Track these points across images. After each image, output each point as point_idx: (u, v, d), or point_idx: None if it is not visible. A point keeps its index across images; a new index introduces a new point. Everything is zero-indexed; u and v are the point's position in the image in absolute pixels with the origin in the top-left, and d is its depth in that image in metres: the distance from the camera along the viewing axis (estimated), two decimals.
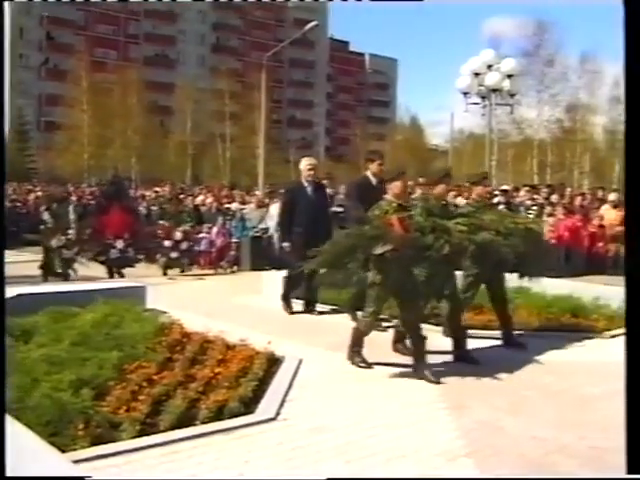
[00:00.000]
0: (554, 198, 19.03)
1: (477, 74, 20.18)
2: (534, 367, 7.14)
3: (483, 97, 20.59)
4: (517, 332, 8.53)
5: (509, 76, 20.24)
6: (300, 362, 7.18)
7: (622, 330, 8.21)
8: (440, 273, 7.35)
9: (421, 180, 16.69)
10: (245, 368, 6.43)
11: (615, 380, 6.91)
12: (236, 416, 5.48)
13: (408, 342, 7.42)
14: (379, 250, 6.67)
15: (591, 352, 7.97)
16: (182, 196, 21.44)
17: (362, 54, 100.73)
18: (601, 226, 17.43)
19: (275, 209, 18.32)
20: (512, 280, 8.95)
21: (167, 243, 15.41)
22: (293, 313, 10.30)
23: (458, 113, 51.74)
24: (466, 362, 7.55)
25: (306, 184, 10.31)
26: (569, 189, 22.06)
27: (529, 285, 9.19)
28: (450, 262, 7.38)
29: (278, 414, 5.67)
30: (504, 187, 18.54)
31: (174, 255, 15.43)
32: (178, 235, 15.57)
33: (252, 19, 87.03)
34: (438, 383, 6.72)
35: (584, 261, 17.06)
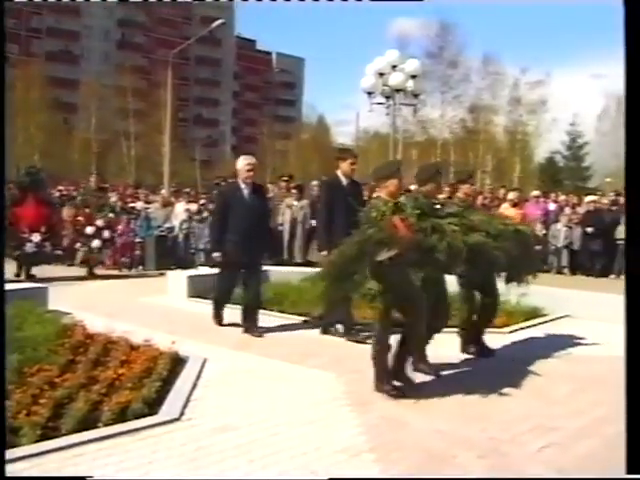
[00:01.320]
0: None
1: (382, 74, 20.34)
2: (437, 362, 7.24)
3: (387, 97, 20.77)
4: None
5: (413, 77, 20.46)
6: (204, 361, 7.17)
7: (520, 325, 8.49)
8: (438, 277, 7.10)
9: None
10: (149, 369, 6.39)
11: (514, 374, 7.19)
12: (140, 417, 5.43)
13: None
14: (384, 255, 6.03)
15: (493, 347, 8.15)
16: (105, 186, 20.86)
17: (269, 53, 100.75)
18: None
19: (181, 207, 18.21)
20: None
21: (89, 230, 14.85)
22: (223, 325, 9.45)
23: (364, 112, 52.22)
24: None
25: (243, 186, 9.13)
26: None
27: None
28: (445, 265, 6.79)
29: (182, 414, 5.64)
30: (410, 187, 18.78)
31: (95, 244, 14.91)
32: (100, 222, 15.07)
33: (158, 16, 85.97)
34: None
35: None
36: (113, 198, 18.95)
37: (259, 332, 8.82)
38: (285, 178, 18.97)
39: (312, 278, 6.73)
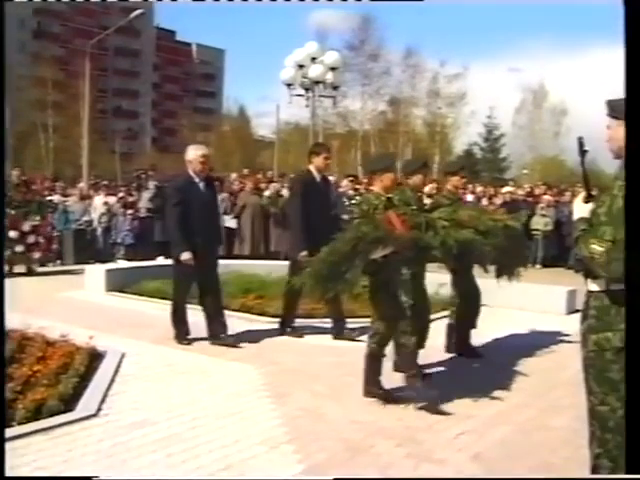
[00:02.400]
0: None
1: (301, 66, 20.37)
2: (355, 353, 7.29)
3: (307, 89, 20.81)
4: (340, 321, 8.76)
5: (332, 69, 20.54)
6: (123, 356, 7.12)
7: (438, 315, 8.60)
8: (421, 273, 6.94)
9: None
10: (66, 365, 6.31)
11: (429, 362, 7.29)
12: (56, 414, 5.36)
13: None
14: (379, 253, 5.70)
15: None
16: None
17: (189, 44, 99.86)
18: None
19: (99, 200, 17.94)
20: None
21: (12, 234, 14.12)
22: (190, 343, 8.12)
23: (284, 104, 52.15)
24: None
25: (197, 179, 8.17)
26: None
27: None
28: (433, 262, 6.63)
29: (99, 410, 5.59)
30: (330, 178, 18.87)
31: (19, 249, 14.25)
32: (26, 227, 14.30)
33: (76, 5, 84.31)
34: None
35: None
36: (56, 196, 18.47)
37: (233, 342, 8.07)
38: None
39: (301, 277, 5.98)
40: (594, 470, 3.70)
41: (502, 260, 6.98)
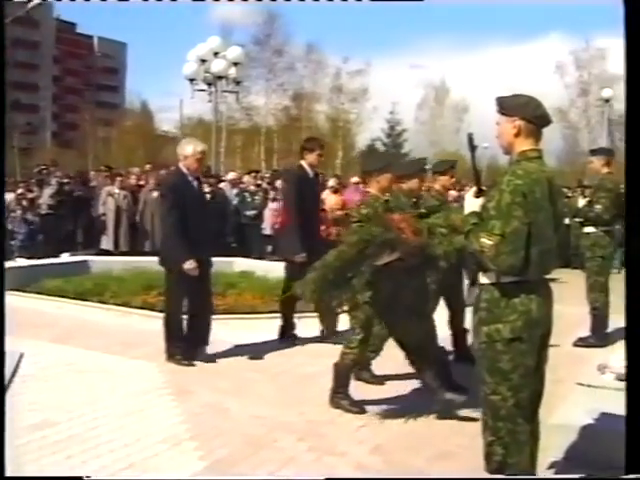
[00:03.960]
0: (278, 183, 19.59)
1: (204, 61, 20.29)
2: (258, 349, 7.35)
3: (210, 84, 20.75)
4: (238, 316, 8.78)
5: (235, 64, 20.52)
6: (21, 356, 6.96)
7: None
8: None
9: None
10: None
11: (331, 357, 7.36)
12: None
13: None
14: (385, 259, 5.20)
15: (314, 331, 8.30)
16: None
17: (90, 36, 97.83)
18: (323, 210, 18.19)
19: None
20: (236, 264, 9.17)
21: None
22: (190, 364, 7.17)
23: (187, 99, 51.63)
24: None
25: (191, 178, 7.35)
26: None
27: (252, 269, 9.41)
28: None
29: None
30: (231, 174, 18.82)
31: None
32: None
33: None
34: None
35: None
36: None
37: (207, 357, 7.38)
38: (103, 168, 18.60)
39: (301, 283, 5.45)
40: (487, 457, 3.82)
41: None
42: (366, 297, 5.52)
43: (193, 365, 7.07)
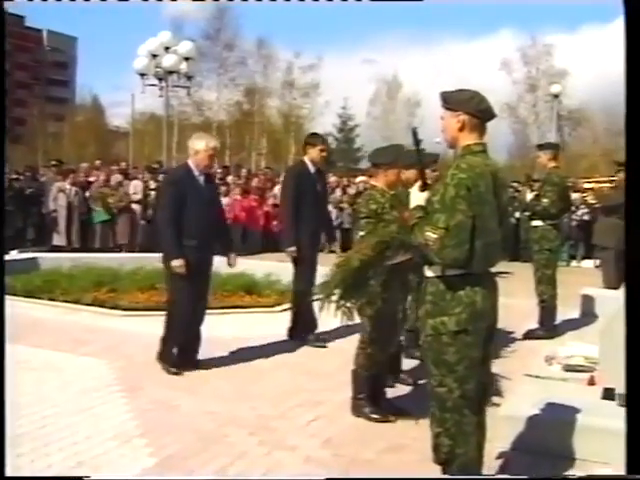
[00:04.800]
0: (230, 179, 19.58)
1: (155, 55, 20.16)
2: (211, 345, 7.31)
3: (161, 79, 20.62)
4: None
5: (186, 59, 20.42)
6: None
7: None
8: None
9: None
10: None
11: (283, 351, 7.40)
12: None
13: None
14: (399, 259, 4.81)
15: (263, 326, 8.31)
16: None
17: (39, 30, 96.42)
18: (275, 205, 18.23)
19: None
20: None
21: None
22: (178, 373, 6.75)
23: (138, 94, 51.08)
24: None
25: (197, 173, 6.94)
26: (244, 170, 22.64)
27: None
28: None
29: None
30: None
31: None
32: None
33: None
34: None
35: (259, 239, 17.87)
36: None
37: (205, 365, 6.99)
38: (54, 162, 18.39)
39: (321, 287, 5.15)
40: (435, 449, 3.87)
41: None
42: (379, 295, 5.20)
43: (181, 375, 6.68)
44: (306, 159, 8.15)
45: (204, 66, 44.57)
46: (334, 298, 4.94)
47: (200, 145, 6.91)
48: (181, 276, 6.67)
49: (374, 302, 5.27)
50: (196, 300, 6.89)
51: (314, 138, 8.56)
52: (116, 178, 17.90)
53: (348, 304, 5.03)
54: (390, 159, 5.79)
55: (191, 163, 6.96)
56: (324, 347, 7.80)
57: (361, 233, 5.56)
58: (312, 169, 8.10)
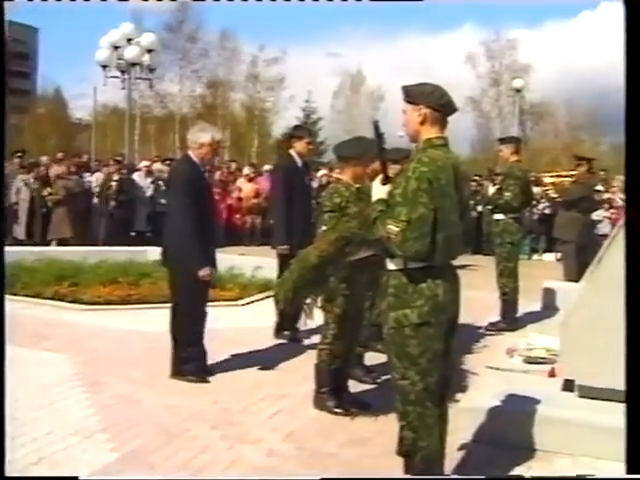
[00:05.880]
0: None
1: (117, 47, 20.04)
2: (168, 339, 7.28)
3: (123, 71, 20.48)
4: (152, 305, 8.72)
5: (149, 50, 20.32)
6: None
7: (253, 298, 8.72)
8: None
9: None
10: None
11: (246, 344, 7.39)
12: None
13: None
14: (362, 254, 4.74)
15: (226, 320, 8.28)
16: None
17: None
18: (239, 199, 18.22)
19: None
20: (150, 253, 9.06)
21: None
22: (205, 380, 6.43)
23: (101, 86, 50.57)
24: None
25: (202, 169, 6.62)
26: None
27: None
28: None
29: None
30: (145, 162, 18.60)
31: None
32: None
33: None
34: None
35: (222, 232, 17.79)
36: None
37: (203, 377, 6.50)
38: (19, 154, 18.14)
39: (278, 283, 5.20)
40: (400, 442, 3.88)
41: None
42: (341, 292, 5.34)
43: (208, 382, 6.34)
44: (293, 152, 7.93)
45: (166, 58, 44.04)
46: (290, 295, 4.86)
47: (206, 138, 6.41)
48: (194, 283, 6.25)
49: (334, 299, 5.33)
50: (204, 305, 6.57)
51: (300, 130, 8.41)
52: (97, 177, 17.54)
53: (307, 301, 4.99)
54: (356, 152, 5.65)
55: (194, 157, 6.44)
56: (299, 342, 7.68)
57: (324, 227, 5.51)
58: (299, 162, 7.92)
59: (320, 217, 5.81)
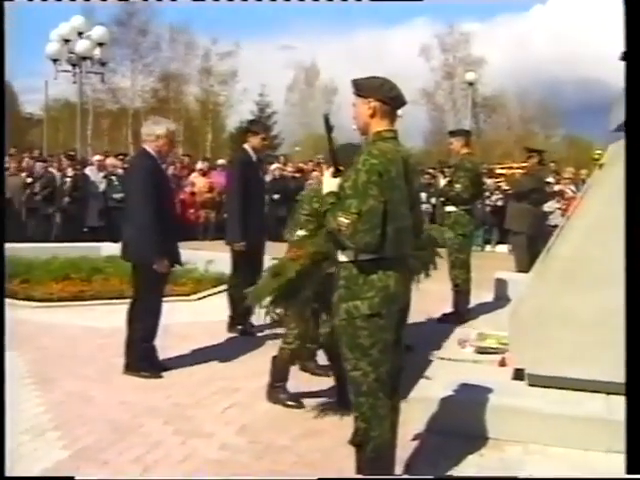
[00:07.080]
0: None
1: (67, 40, 19.81)
2: (121, 336, 7.24)
3: (74, 65, 20.26)
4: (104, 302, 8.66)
5: (100, 44, 20.12)
6: None
7: (207, 292, 8.68)
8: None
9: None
10: None
11: (199, 339, 7.37)
12: None
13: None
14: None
15: (179, 314, 8.24)
16: None
17: None
18: (192, 193, 18.14)
19: None
20: (103, 248, 8.99)
21: None
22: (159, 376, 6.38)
23: (52, 80, 49.78)
24: None
25: (159, 160, 6.53)
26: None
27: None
28: None
29: None
30: (97, 157, 18.40)
31: None
32: None
33: None
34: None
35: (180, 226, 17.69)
36: None
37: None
38: None
39: (253, 292, 5.18)
40: (355, 433, 3.89)
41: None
42: (311, 305, 5.28)
43: (161, 377, 6.30)
44: (247, 147, 7.89)
45: (118, 52, 43.60)
46: (264, 304, 4.99)
47: (161, 129, 6.38)
48: (153, 275, 6.25)
49: (304, 312, 5.33)
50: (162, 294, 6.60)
51: (256, 125, 8.33)
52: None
53: (277, 310, 5.11)
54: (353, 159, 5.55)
55: (151, 150, 6.36)
56: (252, 336, 7.70)
57: (300, 232, 5.43)
58: (254, 157, 7.89)
59: (296, 216, 5.70)
